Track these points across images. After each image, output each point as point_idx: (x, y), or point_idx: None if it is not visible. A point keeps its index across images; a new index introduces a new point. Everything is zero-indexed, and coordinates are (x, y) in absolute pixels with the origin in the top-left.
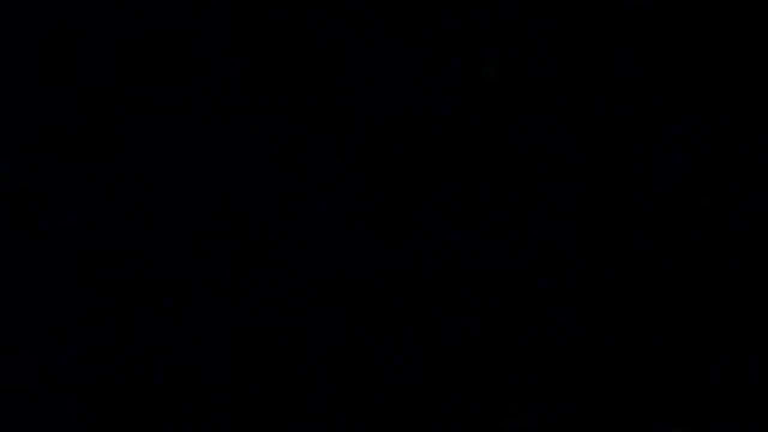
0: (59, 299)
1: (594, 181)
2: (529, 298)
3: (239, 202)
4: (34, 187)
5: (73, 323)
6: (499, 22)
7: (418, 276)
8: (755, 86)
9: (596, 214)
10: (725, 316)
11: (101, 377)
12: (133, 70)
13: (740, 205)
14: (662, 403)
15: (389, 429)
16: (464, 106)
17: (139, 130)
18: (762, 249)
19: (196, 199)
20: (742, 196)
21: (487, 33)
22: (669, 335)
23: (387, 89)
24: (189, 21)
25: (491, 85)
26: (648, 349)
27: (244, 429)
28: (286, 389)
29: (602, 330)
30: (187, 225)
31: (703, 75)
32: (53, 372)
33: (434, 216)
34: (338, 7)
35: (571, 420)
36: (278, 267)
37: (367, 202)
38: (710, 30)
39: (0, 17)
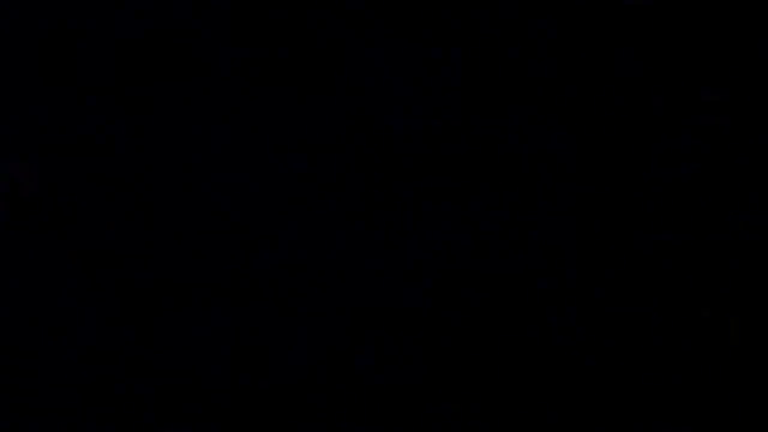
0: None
1: (594, 181)
2: (529, 298)
3: (239, 201)
4: (33, 187)
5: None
6: (499, 22)
7: (418, 276)
8: (755, 86)
9: (596, 214)
10: (725, 316)
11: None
12: (133, 70)
13: (740, 205)
14: (662, 403)
15: (389, 429)
16: (464, 106)
17: (139, 129)
18: (762, 249)
19: (196, 199)
20: (742, 196)
21: (487, 33)
22: (669, 335)
23: (387, 89)
24: (189, 21)
25: (491, 84)
26: (648, 349)
27: (244, 429)
28: (286, 390)
29: (602, 330)
30: (186, 224)
31: (703, 75)
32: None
33: (434, 216)
34: (338, 7)
35: (571, 420)
36: (278, 266)
37: (366, 202)
38: (710, 30)
39: (0, 17)
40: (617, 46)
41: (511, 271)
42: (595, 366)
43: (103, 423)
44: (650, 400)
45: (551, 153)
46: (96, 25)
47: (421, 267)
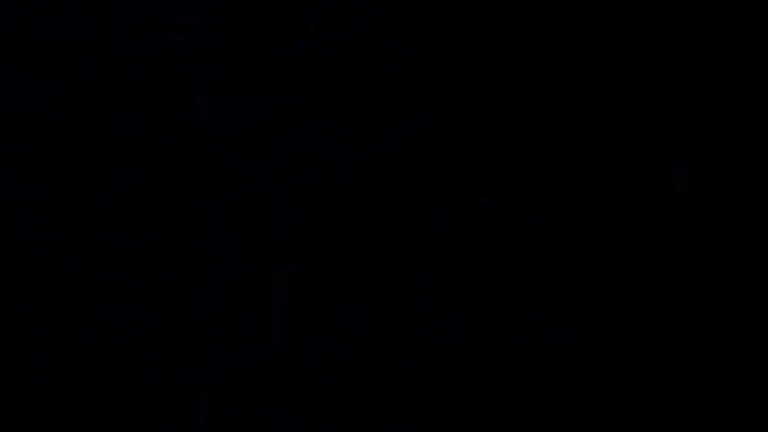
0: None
1: (594, 182)
2: (529, 298)
3: (238, 198)
4: (34, 186)
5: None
6: (499, 22)
7: (419, 276)
8: (755, 86)
9: (596, 214)
10: (725, 316)
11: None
12: (132, 70)
13: (740, 206)
14: (662, 403)
15: (389, 429)
16: (465, 107)
17: (138, 126)
18: (762, 249)
19: (194, 196)
20: (742, 197)
21: (489, 34)
22: (669, 335)
23: (387, 90)
24: (188, 20)
25: (493, 86)
26: (648, 349)
27: (245, 428)
28: (286, 390)
29: (600, 332)
30: (184, 218)
31: (703, 75)
32: None
33: (434, 216)
34: (337, 7)
35: (571, 421)
36: (277, 265)
37: (366, 202)
38: (710, 30)
39: (0, 17)
40: (617, 46)
41: (511, 271)
42: (594, 367)
43: (102, 423)
44: (650, 400)
45: (551, 153)
46: (96, 27)
47: (420, 267)
